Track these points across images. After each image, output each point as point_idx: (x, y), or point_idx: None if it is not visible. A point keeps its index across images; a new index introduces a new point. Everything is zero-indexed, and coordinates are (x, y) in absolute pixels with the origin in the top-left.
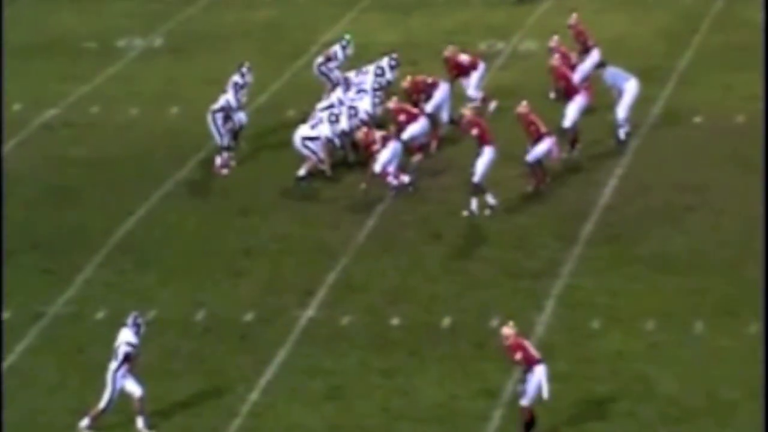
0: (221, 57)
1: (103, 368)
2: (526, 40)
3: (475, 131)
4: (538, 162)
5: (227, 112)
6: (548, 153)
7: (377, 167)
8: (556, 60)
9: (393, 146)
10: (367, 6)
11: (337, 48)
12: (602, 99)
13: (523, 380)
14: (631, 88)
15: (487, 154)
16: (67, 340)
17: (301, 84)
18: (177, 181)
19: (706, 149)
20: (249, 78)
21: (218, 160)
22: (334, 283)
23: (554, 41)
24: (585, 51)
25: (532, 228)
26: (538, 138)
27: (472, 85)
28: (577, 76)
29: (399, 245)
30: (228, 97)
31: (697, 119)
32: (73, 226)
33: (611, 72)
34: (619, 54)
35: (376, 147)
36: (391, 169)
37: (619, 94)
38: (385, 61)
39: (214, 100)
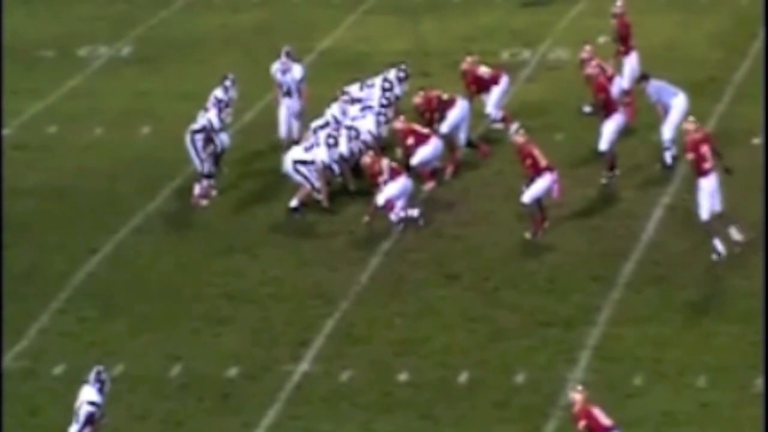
0: (200, 68)
1: None
2: (556, 47)
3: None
4: (537, 202)
5: (208, 133)
6: (547, 192)
7: (381, 199)
8: (593, 68)
9: (402, 182)
10: (372, 7)
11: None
12: (645, 117)
13: None
14: (678, 104)
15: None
16: (19, 400)
17: None
18: (148, 214)
19: None
20: (233, 93)
21: (197, 189)
22: (332, 333)
23: (586, 52)
24: (625, 51)
25: (564, 268)
26: (536, 174)
27: (491, 102)
28: (614, 89)
29: (408, 288)
30: (209, 116)
31: (756, 140)
32: (25, 266)
33: (655, 86)
34: (665, 64)
35: (382, 178)
36: (397, 202)
37: (665, 111)
38: (392, 73)
39: (192, 118)
